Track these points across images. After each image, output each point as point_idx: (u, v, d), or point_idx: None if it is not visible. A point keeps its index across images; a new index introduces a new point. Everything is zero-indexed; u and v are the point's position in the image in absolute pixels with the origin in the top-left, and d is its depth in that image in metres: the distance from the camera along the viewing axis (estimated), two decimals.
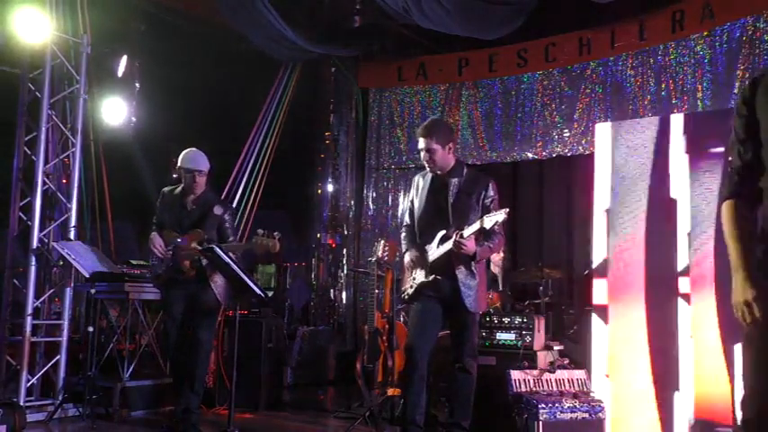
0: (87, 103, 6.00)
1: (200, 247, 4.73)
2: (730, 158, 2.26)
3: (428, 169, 4.11)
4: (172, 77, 7.07)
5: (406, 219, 4.29)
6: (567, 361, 4.94)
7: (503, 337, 4.87)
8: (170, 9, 7.09)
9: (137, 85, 6.72)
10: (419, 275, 4.08)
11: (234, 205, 6.67)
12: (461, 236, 3.81)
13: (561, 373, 4.55)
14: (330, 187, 8.59)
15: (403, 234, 4.29)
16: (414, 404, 3.96)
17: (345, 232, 8.54)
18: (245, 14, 6.63)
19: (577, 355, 5.28)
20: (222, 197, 6.53)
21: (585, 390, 4.46)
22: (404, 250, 4.23)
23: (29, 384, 5.45)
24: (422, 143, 4.05)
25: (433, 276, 3.99)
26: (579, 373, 4.59)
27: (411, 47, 8.09)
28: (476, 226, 3.79)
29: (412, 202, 4.24)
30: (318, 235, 8.55)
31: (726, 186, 2.23)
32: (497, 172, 7.70)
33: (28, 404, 5.30)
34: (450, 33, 6.86)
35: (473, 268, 3.99)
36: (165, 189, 5.03)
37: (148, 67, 6.86)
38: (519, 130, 7.49)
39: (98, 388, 5.28)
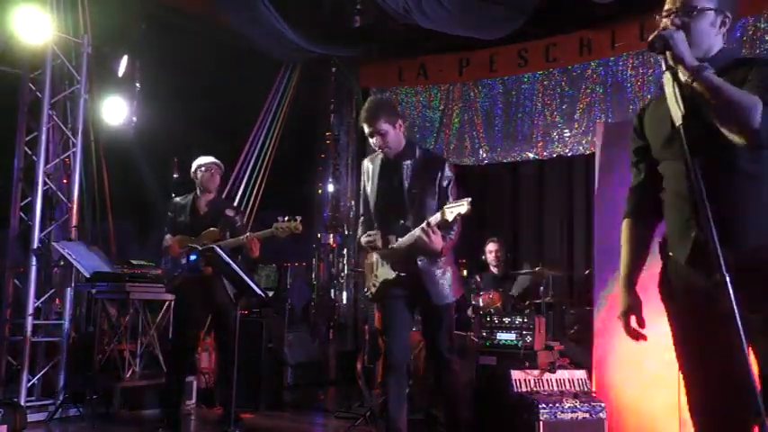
0: (88, 103, 6.02)
1: (199, 247, 4.75)
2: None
3: (379, 152, 3.80)
4: (172, 77, 7.06)
5: (362, 209, 3.94)
6: (567, 361, 4.94)
7: (503, 337, 4.86)
8: (171, 8, 7.08)
9: (137, 85, 6.71)
10: (381, 272, 3.78)
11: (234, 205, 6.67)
12: (428, 224, 3.44)
13: (562, 373, 4.55)
14: (330, 187, 8.60)
15: (360, 226, 3.95)
16: (396, 410, 3.69)
17: (346, 232, 8.54)
18: (245, 14, 6.63)
19: (578, 355, 5.28)
20: (223, 197, 6.54)
21: (586, 390, 4.46)
22: (360, 239, 3.85)
23: (29, 384, 5.47)
24: (369, 128, 3.71)
25: (397, 274, 3.68)
26: (580, 373, 4.59)
27: (411, 47, 8.07)
28: (437, 217, 3.41)
29: (364, 189, 3.91)
30: (319, 235, 8.56)
31: (626, 206, 2.42)
32: (497, 172, 7.74)
33: (29, 404, 5.31)
34: (450, 33, 6.85)
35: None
36: (176, 199, 5.09)
37: (149, 67, 6.85)
38: (519, 130, 7.49)
39: (98, 388, 5.28)
